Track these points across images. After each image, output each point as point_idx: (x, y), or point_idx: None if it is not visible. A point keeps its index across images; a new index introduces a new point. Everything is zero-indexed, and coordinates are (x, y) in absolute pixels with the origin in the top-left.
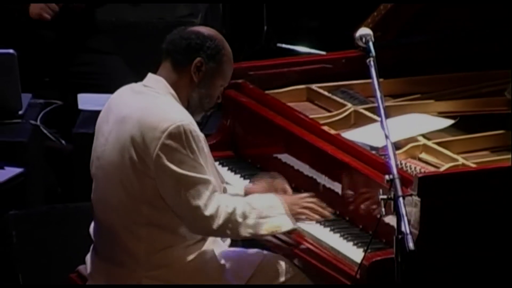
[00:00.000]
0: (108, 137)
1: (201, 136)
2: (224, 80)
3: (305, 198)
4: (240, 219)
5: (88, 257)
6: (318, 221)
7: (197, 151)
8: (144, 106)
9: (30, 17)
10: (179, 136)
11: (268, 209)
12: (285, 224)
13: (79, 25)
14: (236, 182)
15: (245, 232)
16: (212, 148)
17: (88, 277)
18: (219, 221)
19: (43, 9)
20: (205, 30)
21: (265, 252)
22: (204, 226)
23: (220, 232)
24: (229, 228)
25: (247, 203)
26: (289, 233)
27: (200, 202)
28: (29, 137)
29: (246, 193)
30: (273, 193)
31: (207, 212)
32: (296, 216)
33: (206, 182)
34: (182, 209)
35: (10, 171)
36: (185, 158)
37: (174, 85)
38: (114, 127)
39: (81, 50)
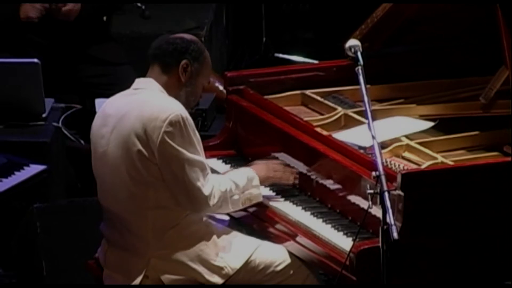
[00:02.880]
0: (109, 137)
1: (193, 124)
2: (205, 79)
3: (275, 170)
4: (228, 196)
5: (99, 250)
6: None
7: (193, 136)
8: (142, 102)
9: (21, 19)
10: (178, 123)
11: (246, 182)
12: (257, 197)
13: (89, 35)
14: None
15: (231, 207)
16: (216, 147)
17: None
18: (214, 200)
19: (30, 9)
20: (187, 35)
21: (263, 240)
22: (202, 205)
23: (214, 209)
24: (221, 205)
25: (231, 180)
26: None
27: (199, 183)
28: (52, 138)
29: None
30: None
31: (206, 191)
32: (268, 184)
33: (202, 164)
34: (182, 189)
35: (35, 168)
36: (184, 143)
37: (163, 86)
38: (115, 126)
39: (98, 62)
